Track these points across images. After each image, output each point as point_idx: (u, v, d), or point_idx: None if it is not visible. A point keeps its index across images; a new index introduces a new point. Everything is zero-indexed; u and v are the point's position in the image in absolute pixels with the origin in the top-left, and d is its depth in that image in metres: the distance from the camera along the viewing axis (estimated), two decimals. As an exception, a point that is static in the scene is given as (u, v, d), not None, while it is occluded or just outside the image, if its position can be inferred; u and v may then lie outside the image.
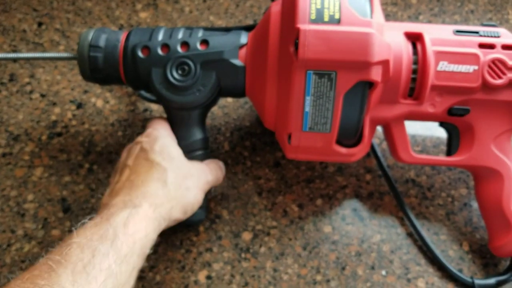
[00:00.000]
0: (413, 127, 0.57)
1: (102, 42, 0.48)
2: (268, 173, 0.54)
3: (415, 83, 0.46)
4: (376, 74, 0.42)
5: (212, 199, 0.52)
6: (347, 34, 0.41)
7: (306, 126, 0.44)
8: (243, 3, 0.65)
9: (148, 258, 0.46)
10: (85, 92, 0.58)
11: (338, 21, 0.42)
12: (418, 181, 0.54)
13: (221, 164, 0.50)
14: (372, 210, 0.52)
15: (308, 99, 0.43)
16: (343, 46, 0.41)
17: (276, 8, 0.46)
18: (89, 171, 0.54)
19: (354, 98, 0.43)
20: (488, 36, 0.47)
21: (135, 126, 0.56)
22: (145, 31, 0.48)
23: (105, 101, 0.58)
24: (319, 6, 0.42)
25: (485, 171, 0.48)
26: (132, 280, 0.38)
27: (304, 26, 0.42)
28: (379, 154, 0.54)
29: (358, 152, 0.47)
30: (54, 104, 0.58)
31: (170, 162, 0.44)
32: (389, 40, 0.45)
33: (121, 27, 0.63)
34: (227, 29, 0.51)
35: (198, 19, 0.64)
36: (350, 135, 0.46)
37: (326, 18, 0.42)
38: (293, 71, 0.42)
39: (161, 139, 0.45)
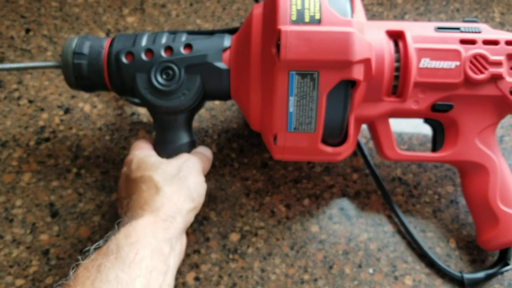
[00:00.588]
0: (399, 125, 0.57)
1: (86, 49, 0.48)
2: (255, 174, 0.54)
3: (398, 81, 0.46)
4: (358, 73, 0.42)
5: (200, 201, 0.52)
6: (327, 34, 0.42)
7: (291, 127, 0.44)
8: (230, 6, 0.66)
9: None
10: (73, 97, 0.59)
11: (319, 21, 0.42)
12: (404, 179, 0.54)
13: (205, 149, 0.51)
14: (359, 209, 0.52)
15: (292, 100, 0.43)
16: (324, 46, 0.41)
17: (258, 10, 0.47)
18: (77, 175, 0.54)
19: (337, 97, 0.43)
20: (469, 32, 0.48)
21: (122, 130, 0.56)
22: (129, 37, 0.49)
23: (93, 106, 0.58)
24: (299, 7, 0.43)
25: (470, 165, 0.48)
26: (156, 282, 0.37)
27: (285, 27, 0.42)
28: (366, 152, 0.54)
29: (344, 150, 0.47)
30: (42, 109, 0.58)
31: (152, 169, 0.44)
32: (371, 38, 0.46)
33: (108, 32, 0.63)
34: (211, 32, 0.51)
35: (185, 23, 0.64)
36: (335, 134, 0.46)
37: (306, 19, 0.42)
38: (276, 72, 0.42)
39: (135, 157, 0.46)
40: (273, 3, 0.44)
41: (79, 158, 0.55)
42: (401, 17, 0.65)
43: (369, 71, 0.44)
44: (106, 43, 0.49)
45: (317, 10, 0.43)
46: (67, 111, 0.58)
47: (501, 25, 0.65)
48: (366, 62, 0.43)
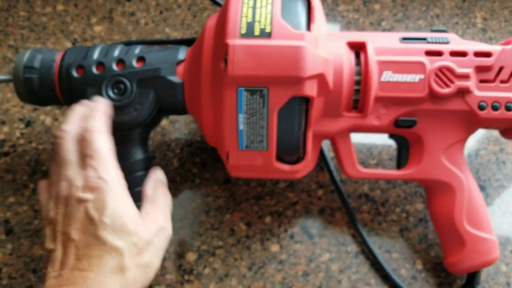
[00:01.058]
0: (369, 138, 0.55)
1: (37, 63, 0.46)
2: (217, 190, 0.52)
3: (359, 95, 0.44)
4: (310, 89, 0.40)
5: (158, 218, 0.50)
6: (277, 48, 0.40)
7: (243, 145, 0.42)
8: (200, 14, 0.64)
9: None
10: (35, 109, 0.57)
11: (269, 35, 0.40)
12: (371, 195, 0.52)
13: (168, 197, 0.45)
14: (322, 227, 0.50)
15: (241, 117, 0.41)
16: (274, 61, 0.39)
17: (211, 22, 0.45)
18: (34, 191, 0.52)
19: (290, 114, 0.41)
20: (436, 43, 0.45)
21: (83, 144, 0.55)
22: (82, 50, 0.47)
23: (54, 119, 0.57)
24: (250, 20, 0.41)
25: (436, 184, 0.46)
26: None
27: (233, 41, 0.40)
28: (332, 168, 0.52)
29: (302, 168, 0.45)
30: (3, 122, 0.57)
31: (126, 239, 0.37)
32: (330, 51, 0.44)
33: (74, 42, 0.62)
34: (178, 42, 0.49)
35: (153, 32, 0.63)
36: (292, 151, 0.44)
37: (256, 32, 0.40)
38: (224, 89, 0.40)
39: (110, 203, 0.37)
40: (224, 15, 0.42)
41: (37, 173, 0.53)
42: (377, 24, 0.63)
43: (325, 86, 0.42)
44: (58, 57, 0.47)
45: (268, 23, 0.41)
46: (28, 124, 0.56)
47: (483, 31, 0.62)
48: (320, 77, 0.41)
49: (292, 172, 0.45)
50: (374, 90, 0.44)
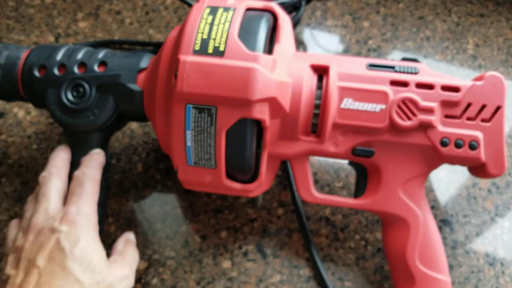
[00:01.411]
0: (338, 161, 0.54)
1: (2, 59, 0.46)
2: (177, 199, 0.52)
3: (318, 120, 0.43)
4: (260, 112, 0.39)
5: (114, 222, 0.50)
6: (228, 68, 0.39)
7: (191, 161, 0.42)
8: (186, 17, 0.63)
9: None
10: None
11: (222, 54, 0.39)
12: (332, 220, 0.51)
13: (136, 254, 0.45)
14: (277, 248, 0.49)
15: (189, 134, 0.40)
16: (224, 81, 0.39)
17: (174, 33, 0.44)
18: (-3, 184, 0.53)
19: (239, 135, 0.40)
20: (403, 72, 0.44)
21: (51, 140, 0.55)
22: (47, 49, 0.47)
23: (27, 112, 0.57)
24: (205, 36, 0.40)
25: (391, 217, 0.45)
26: None
27: (185, 57, 0.39)
28: (295, 188, 0.51)
29: (255, 188, 0.44)
30: (-22, 112, 0.57)
31: (90, 276, 0.37)
32: (292, 72, 0.43)
33: (57, 37, 0.62)
34: (145, 44, 0.49)
35: (136, 32, 0.62)
36: (243, 171, 0.43)
37: (210, 50, 0.40)
38: (173, 104, 0.40)
39: (83, 238, 0.38)
40: (182, 28, 0.41)
41: (3, 166, 0.54)
42: (364, 42, 0.61)
43: (278, 109, 0.41)
44: (24, 54, 0.47)
45: (222, 41, 0.40)
46: (1, 115, 0.57)
47: (473, 58, 0.60)
48: (272, 101, 0.40)
49: (244, 191, 0.44)
50: (332, 116, 0.43)
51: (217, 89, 0.39)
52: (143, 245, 0.49)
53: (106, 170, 0.48)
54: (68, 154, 0.45)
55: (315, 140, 0.43)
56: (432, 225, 0.44)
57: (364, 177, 0.46)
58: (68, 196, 0.41)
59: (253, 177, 0.44)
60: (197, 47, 0.40)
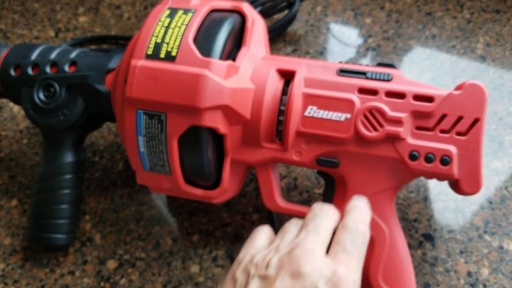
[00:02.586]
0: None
1: None
2: (153, 200, 0.52)
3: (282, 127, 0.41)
4: (211, 120, 0.38)
5: (90, 220, 0.51)
6: (178, 74, 0.38)
7: (146, 166, 0.41)
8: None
9: (14, 272, 0.47)
10: (7, 95, 0.59)
11: (174, 59, 0.38)
12: (307, 228, 0.49)
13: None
14: (247, 255, 0.48)
15: (141, 139, 0.40)
16: (173, 87, 0.38)
17: (136, 35, 0.43)
18: (-13, 176, 0.55)
19: (193, 143, 0.40)
20: (374, 79, 0.41)
21: (40, 135, 0.56)
22: (25, 48, 0.48)
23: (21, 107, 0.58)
24: (159, 40, 0.39)
25: (357, 233, 0.42)
26: None
27: (136, 61, 0.39)
28: (270, 193, 0.50)
29: (218, 195, 0.43)
30: (-22, 105, 0.59)
31: None
32: (256, 77, 0.41)
33: (58, 31, 0.63)
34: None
35: (133, 27, 0.62)
36: (203, 178, 0.42)
37: (162, 55, 0.39)
38: (125, 108, 0.39)
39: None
40: (140, 31, 0.41)
41: (-6, 159, 0.56)
42: (364, 40, 0.58)
43: (235, 117, 0.40)
44: (3, 53, 0.48)
45: (175, 46, 0.39)
46: (-2, 109, 0.59)
47: (481, 59, 0.56)
48: (225, 108, 0.38)
49: (207, 197, 0.43)
50: (296, 124, 0.41)
51: (166, 95, 0.38)
52: (115, 245, 0.50)
53: (78, 169, 0.48)
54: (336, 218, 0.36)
55: (278, 147, 0.42)
56: (400, 243, 0.41)
57: (332, 188, 0.44)
58: (335, 246, 0.33)
59: (217, 183, 0.43)
60: (149, 51, 0.39)
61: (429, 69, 0.56)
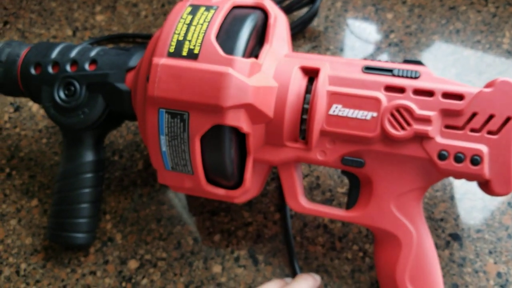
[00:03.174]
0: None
1: (3, 56, 0.48)
2: (173, 199, 0.51)
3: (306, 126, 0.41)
4: (234, 119, 0.37)
5: (111, 220, 0.51)
6: (201, 72, 0.37)
7: (168, 166, 0.41)
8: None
9: (36, 272, 0.47)
10: (26, 95, 0.59)
11: (196, 57, 0.38)
12: (330, 227, 0.48)
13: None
14: (270, 255, 0.48)
15: (163, 139, 0.39)
16: (196, 86, 0.37)
17: (158, 33, 0.43)
18: (8, 176, 0.55)
19: (216, 142, 0.39)
20: (401, 77, 0.40)
21: (59, 135, 0.56)
22: (45, 47, 0.47)
23: (40, 106, 0.58)
24: (181, 38, 0.38)
25: (382, 233, 0.41)
26: None
27: (158, 59, 0.38)
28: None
29: (240, 195, 0.43)
30: (-3, 104, 0.59)
31: None
32: (279, 75, 0.40)
33: (75, 30, 0.63)
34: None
35: (151, 25, 0.62)
36: (225, 177, 0.41)
37: (184, 52, 0.38)
38: (147, 108, 0.39)
39: None
40: (161, 28, 0.40)
41: (15, 159, 0.56)
42: (385, 35, 0.57)
43: (259, 115, 0.39)
44: (23, 52, 0.48)
45: (198, 43, 0.38)
46: (17, 109, 0.59)
47: (508, 53, 0.54)
48: (248, 107, 0.38)
49: (228, 197, 0.43)
50: (320, 123, 0.40)
51: (188, 94, 0.37)
52: (136, 244, 0.49)
53: (98, 168, 0.48)
54: None
55: (302, 147, 0.41)
56: (427, 244, 0.40)
57: (357, 188, 0.43)
58: None
59: (239, 182, 0.42)
60: (171, 49, 0.38)
61: (453, 65, 0.54)
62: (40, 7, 0.65)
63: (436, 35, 0.56)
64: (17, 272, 0.49)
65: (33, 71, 0.46)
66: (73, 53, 0.46)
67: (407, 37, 0.57)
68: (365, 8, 0.59)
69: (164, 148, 0.40)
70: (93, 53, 0.46)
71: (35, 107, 0.58)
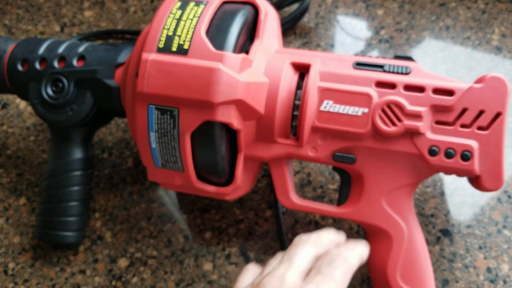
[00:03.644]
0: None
1: None
2: (164, 196, 0.51)
3: (297, 122, 0.40)
4: (224, 115, 0.37)
5: (100, 218, 0.50)
6: (191, 68, 0.37)
7: (158, 163, 0.40)
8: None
9: (24, 271, 0.46)
10: (13, 92, 0.58)
11: (186, 52, 0.37)
12: (322, 224, 0.48)
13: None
14: (261, 252, 0.47)
15: (153, 135, 0.39)
16: (186, 82, 0.37)
17: (147, 28, 0.42)
18: (-5, 174, 0.54)
19: (206, 138, 0.38)
20: (392, 72, 0.40)
21: (48, 132, 0.55)
22: (32, 43, 0.47)
23: (28, 103, 0.57)
24: (170, 33, 0.38)
25: (373, 229, 0.41)
26: None
27: (147, 55, 0.38)
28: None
29: (231, 192, 0.42)
30: (-16, 101, 0.58)
31: None
32: (270, 71, 0.40)
33: (63, 26, 0.62)
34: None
35: (140, 21, 0.61)
36: (216, 174, 0.41)
37: (174, 48, 0.38)
38: (136, 104, 0.38)
39: None
40: (150, 24, 0.40)
41: (2, 157, 0.55)
42: (376, 32, 0.57)
43: (249, 111, 0.38)
44: (10, 48, 0.47)
45: (187, 39, 0.38)
46: (4, 106, 0.58)
47: (497, 50, 0.54)
48: (239, 103, 0.37)
49: (219, 194, 0.42)
50: (311, 119, 0.40)
51: (178, 90, 0.37)
52: (126, 243, 0.49)
53: (87, 166, 0.47)
54: (339, 239, 0.36)
55: (293, 143, 0.41)
56: (418, 240, 0.41)
57: (347, 185, 0.43)
58: (312, 271, 0.32)
59: (230, 179, 0.42)
60: (161, 45, 0.38)
61: (443, 61, 0.54)
62: (27, 2, 0.64)
63: (426, 32, 0.56)
64: (5, 272, 0.48)
65: (20, 67, 0.45)
66: (61, 49, 0.45)
67: (398, 34, 0.57)
68: (356, 4, 0.59)
69: (154, 145, 0.39)
70: (81, 49, 0.45)
71: (22, 104, 0.57)
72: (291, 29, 0.58)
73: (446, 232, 0.46)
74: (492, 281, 0.44)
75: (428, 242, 0.46)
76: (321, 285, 0.30)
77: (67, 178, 0.46)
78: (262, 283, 0.31)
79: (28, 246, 0.49)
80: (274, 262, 0.36)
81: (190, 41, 0.37)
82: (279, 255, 0.37)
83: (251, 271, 0.36)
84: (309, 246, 0.34)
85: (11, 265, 0.49)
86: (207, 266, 0.47)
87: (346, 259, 0.32)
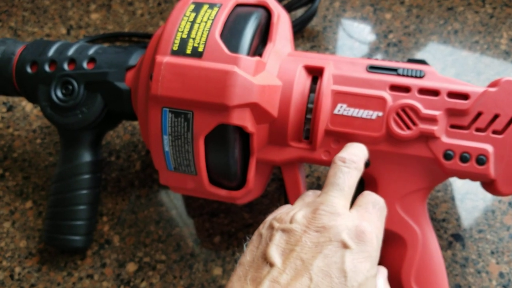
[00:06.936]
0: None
1: None
2: (172, 200, 0.50)
3: (310, 125, 0.40)
4: (239, 118, 0.37)
5: (108, 221, 0.50)
6: (206, 71, 0.36)
7: (171, 166, 0.40)
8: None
9: (31, 275, 0.45)
10: (19, 94, 0.58)
11: (201, 55, 0.37)
12: (332, 229, 0.47)
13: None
14: (271, 257, 0.47)
15: (166, 139, 0.38)
16: (200, 84, 0.36)
17: (159, 31, 0.42)
18: (1, 177, 0.53)
19: (220, 142, 0.38)
20: (406, 76, 0.40)
21: (54, 135, 0.55)
22: (41, 45, 0.46)
23: (34, 106, 0.57)
24: (185, 36, 0.38)
25: (387, 234, 0.41)
26: None
27: (161, 57, 0.37)
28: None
29: (243, 195, 0.42)
30: (-11, 104, 0.58)
31: None
32: (283, 74, 0.40)
33: (69, 29, 0.62)
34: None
35: (147, 24, 0.61)
36: (228, 178, 0.41)
37: (188, 51, 0.37)
38: (149, 107, 0.38)
39: (370, 271, 0.29)
40: (164, 26, 0.39)
41: (8, 159, 0.54)
42: (384, 36, 0.57)
43: (263, 114, 0.38)
44: (19, 50, 0.47)
45: (202, 41, 0.37)
46: (10, 108, 0.57)
47: (506, 54, 0.54)
48: (253, 106, 0.37)
49: (231, 198, 0.42)
50: (324, 122, 0.39)
51: (193, 93, 0.36)
52: (135, 247, 0.48)
53: (96, 169, 0.47)
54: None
55: (306, 147, 0.40)
56: (433, 244, 0.40)
57: (361, 188, 0.42)
58: (354, 206, 0.33)
59: (241, 183, 0.42)
60: (175, 47, 0.38)
61: (452, 65, 0.54)
62: (33, 4, 0.64)
63: (434, 36, 0.56)
64: (11, 276, 0.48)
65: (29, 69, 0.45)
66: (70, 51, 0.45)
67: (406, 38, 0.56)
68: (363, 8, 0.59)
69: (167, 148, 0.39)
70: (91, 52, 0.45)
71: (28, 106, 0.57)
72: (299, 33, 0.58)
73: (457, 237, 0.46)
74: (504, 286, 0.44)
75: (440, 247, 0.45)
76: (373, 222, 0.32)
77: (76, 182, 0.46)
78: (318, 211, 0.31)
79: (35, 250, 0.49)
80: (310, 193, 0.36)
81: (205, 44, 0.37)
82: (311, 191, 0.37)
83: (288, 205, 0.37)
84: (354, 174, 0.34)
85: (17, 269, 0.48)
86: (217, 271, 0.47)
87: (384, 205, 0.34)
